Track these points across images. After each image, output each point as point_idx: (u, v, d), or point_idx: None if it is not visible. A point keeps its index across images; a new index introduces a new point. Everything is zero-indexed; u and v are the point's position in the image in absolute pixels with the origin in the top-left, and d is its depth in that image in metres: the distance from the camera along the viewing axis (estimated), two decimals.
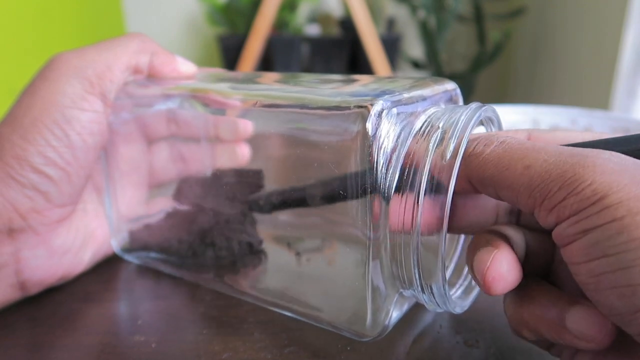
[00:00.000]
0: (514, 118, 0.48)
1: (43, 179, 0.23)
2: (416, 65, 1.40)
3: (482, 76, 1.43)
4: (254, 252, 0.25)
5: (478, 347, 0.22)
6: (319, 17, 1.44)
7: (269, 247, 0.25)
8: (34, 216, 0.23)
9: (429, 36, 1.26)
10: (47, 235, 0.24)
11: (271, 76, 0.28)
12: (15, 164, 0.22)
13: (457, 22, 1.35)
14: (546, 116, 0.48)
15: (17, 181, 0.22)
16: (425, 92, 0.21)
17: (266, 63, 1.25)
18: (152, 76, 0.27)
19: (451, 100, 0.23)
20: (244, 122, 0.24)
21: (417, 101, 0.20)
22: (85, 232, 0.27)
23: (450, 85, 0.23)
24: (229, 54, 1.23)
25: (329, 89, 0.23)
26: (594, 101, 1.02)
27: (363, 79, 0.25)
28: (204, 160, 0.27)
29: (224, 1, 1.28)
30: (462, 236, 0.25)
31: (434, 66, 1.29)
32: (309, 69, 1.30)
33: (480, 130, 0.23)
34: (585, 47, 1.07)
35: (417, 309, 0.24)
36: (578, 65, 1.11)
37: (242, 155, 0.25)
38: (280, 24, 1.26)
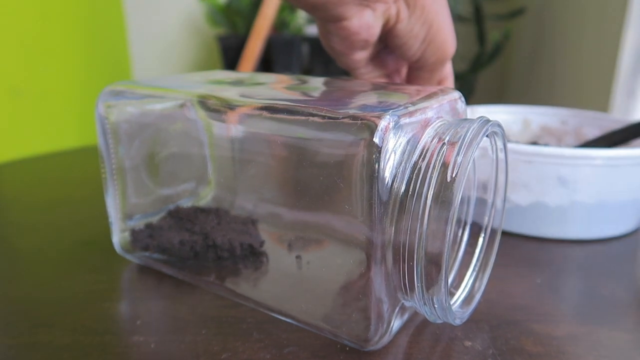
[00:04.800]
0: (505, 117, 0.48)
1: None
2: None
3: (481, 76, 1.43)
4: (255, 254, 0.26)
5: (477, 348, 0.22)
6: None
7: (270, 248, 0.25)
8: None
9: None
10: None
11: (280, 81, 0.28)
12: None
13: (457, 22, 1.35)
14: (537, 116, 0.48)
15: None
16: (431, 102, 0.21)
17: (266, 63, 1.25)
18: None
19: (456, 109, 0.23)
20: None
21: (424, 113, 0.20)
22: None
23: (455, 95, 0.23)
24: (229, 54, 1.23)
25: (338, 99, 0.23)
26: (593, 101, 1.02)
27: (371, 87, 0.25)
28: (204, 162, 0.27)
29: (224, 1, 1.28)
30: (462, 247, 0.26)
31: None
32: (309, 69, 1.30)
33: (485, 143, 0.23)
34: (585, 47, 1.07)
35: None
36: (578, 65, 1.11)
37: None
38: (280, 24, 1.26)
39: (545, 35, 1.28)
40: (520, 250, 0.33)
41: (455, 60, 0.30)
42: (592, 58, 1.04)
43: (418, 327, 0.24)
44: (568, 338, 0.23)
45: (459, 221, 0.26)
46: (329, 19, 0.25)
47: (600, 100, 0.99)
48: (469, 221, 0.26)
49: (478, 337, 0.23)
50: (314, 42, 1.27)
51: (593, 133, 0.44)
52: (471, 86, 1.33)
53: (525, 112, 0.48)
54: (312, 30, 1.34)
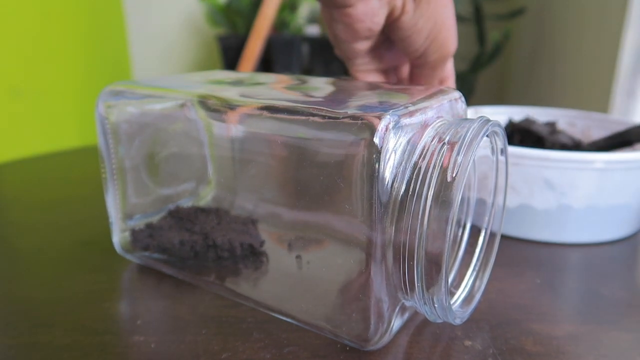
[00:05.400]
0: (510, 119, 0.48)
1: None
2: None
3: (481, 76, 1.43)
4: (255, 254, 0.26)
5: (477, 348, 0.22)
6: (319, 17, 1.44)
7: (270, 248, 0.25)
8: None
9: None
10: None
11: (280, 81, 0.28)
12: None
13: (457, 22, 1.35)
14: (543, 117, 0.47)
15: None
16: (432, 102, 0.21)
17: (266, 63, 1.25)
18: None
19: (456, 109, 0.23)
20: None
21: (424, 113, 0.20)
22: None
23: (455, 95, 0.23)
24: (229, 54, 1.23)
25: (338, 99, 0.23)
26: (593, 102, 1.02)
27: (371, 87, 0.25)
28: (204, 162, 0.27)
29: (224, 1, 1.28)
30: (463, 247, 0.26)
31: None
32: (309, 69, 1.30)
33: (485, 143, 0.23)
34: (585, 47, 1.07)
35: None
36: (578, 65, 1.11)
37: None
38: (280, 24, 1.26)
39: (545, 35, 1.28)
40: (519, 251, 0.33)
41: (455, 60, 0.30)
42: (592, 58, 1.04)
43: (418, 326, 0.24)
44: (568, 338, 0.23)
45: (459, 221, 0.26)
46: (333, 5, 0.24)
47: (600, 101, 0.99)
48: (469, 221, 0.26)
49: (478, 337, 0.23)
50: (314, 42, 1.27)
51: (601, 135, 0.44)
52: (471, 86, 1.33)
53: (532, 113, 0.48)
54: (312, 30, 1.34)
